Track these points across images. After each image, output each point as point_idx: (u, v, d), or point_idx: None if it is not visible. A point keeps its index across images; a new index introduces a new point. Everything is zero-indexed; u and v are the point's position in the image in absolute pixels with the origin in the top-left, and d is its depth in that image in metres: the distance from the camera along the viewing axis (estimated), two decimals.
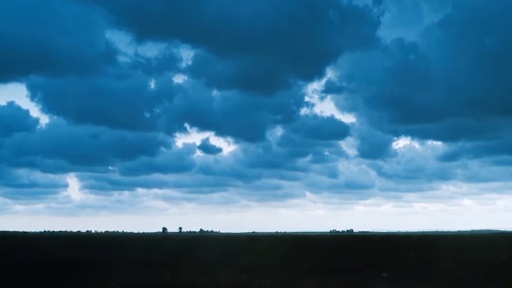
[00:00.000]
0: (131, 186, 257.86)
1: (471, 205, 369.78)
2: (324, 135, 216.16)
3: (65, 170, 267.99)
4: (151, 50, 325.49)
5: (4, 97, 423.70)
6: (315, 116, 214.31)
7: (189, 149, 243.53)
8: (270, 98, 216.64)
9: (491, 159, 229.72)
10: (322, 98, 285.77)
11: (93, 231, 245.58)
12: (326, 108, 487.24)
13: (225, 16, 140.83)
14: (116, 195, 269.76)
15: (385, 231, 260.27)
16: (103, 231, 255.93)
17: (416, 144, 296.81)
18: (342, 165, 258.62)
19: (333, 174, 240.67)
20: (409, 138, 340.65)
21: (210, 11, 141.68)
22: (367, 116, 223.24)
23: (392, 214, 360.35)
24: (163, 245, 54.49)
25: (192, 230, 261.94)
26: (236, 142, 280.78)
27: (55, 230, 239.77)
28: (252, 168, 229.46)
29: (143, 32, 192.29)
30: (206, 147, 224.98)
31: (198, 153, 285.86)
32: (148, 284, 17.95)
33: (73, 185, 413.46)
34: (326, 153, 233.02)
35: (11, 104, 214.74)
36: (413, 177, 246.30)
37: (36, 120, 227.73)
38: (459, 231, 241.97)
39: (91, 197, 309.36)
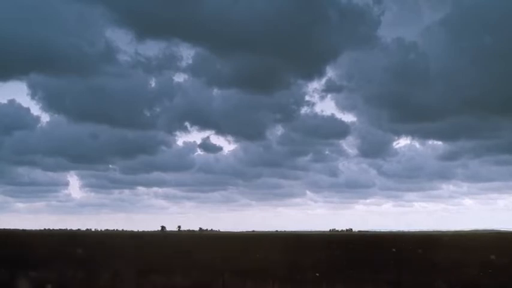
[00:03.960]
0: (131, 184, 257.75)
1: (471, 205, 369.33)
2: (324, 135, 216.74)
3: (65, 169, 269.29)
4: (152, 48, 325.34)
5: (5, 95, 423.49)
6: (315, 115, 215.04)
7: (190, 147, 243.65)
8: (271, 97, 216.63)
9: (492, 158, 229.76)
10: (322, 97, 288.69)
11: (93, 230, 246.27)
12: (326, 107, 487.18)
13: (225, 15, 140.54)
14: (116, 193, 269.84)
15: (385, 230, 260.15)
16: (103, 229, 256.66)
17: (416, 144, 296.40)
18: (342, 165, 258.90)
19: (333, 173, 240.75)
20: (409, 137, 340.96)
21: (210, 9, 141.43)
22: (367, 115, 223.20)
23: (393, 213, 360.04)
24: None
25: (191, 229, 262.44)
26: (236, 141, 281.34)
27: (55, 228, 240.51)
28: (252, 167, 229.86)
29: (143, 30, 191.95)
30: (206, 146, 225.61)
31: (199, 152, 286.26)
32: None
33: (73, 183, 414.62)
34: (326, 152, 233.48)
35: (11, 102, 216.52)
36: (413, 177, 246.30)
37: (37, 119, 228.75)
38: (457, 231, 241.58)
39: (91, 196, 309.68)
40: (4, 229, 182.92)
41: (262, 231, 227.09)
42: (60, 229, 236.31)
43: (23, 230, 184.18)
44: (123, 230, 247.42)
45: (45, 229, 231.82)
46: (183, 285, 17.48)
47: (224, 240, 71.14)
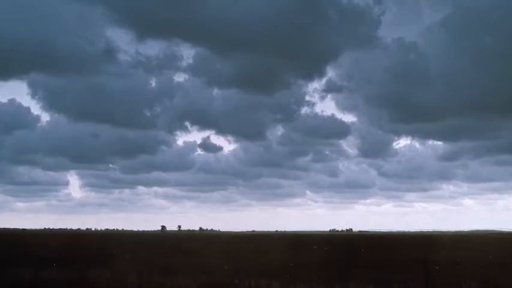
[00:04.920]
0: (132, 184, 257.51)
1: (472, 205, 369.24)
2: (324, 135, 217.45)
3: (65, 168, 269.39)
4: (152, 48, 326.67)
5: (5, 94, 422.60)
6: (316, 115, 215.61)
7: (190, 147, 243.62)
8: (271, 97, 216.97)
9: (492, 159, 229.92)
10: (322, 97, 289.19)
11: (93, 229, 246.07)
12: (327, 107, 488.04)
13: (225, 15, 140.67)
14: (116, 193, 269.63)
15: (385, 230, 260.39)
16: (103, 229, 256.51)
17: (416, 144, 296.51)
18: (343, 165, 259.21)
19: (334, 173, 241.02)
20: (409, 137, 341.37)
21: (211, 9, 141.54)
22: (367, 115, 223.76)
23: (393, 214, 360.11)
24: None
25: (191, 229, 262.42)
26: (237, 141, 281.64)
27: (55, 228, 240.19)
28: (252, 167, 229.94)
29: (144, 30, 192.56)
30: (207, 146, 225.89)
31: (199, 151, 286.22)
32: None
33: (74, 182, 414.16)
34: (326, 152, 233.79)
35: (12, 102, 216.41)
36: (413, 177, 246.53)
37: (37, 118, 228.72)
38: (457, 231, 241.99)
39: (91, 195, 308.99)
40: (4, 228, 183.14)
41: (266, 231, 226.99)
42: (60, 228, 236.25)
43: (23, 229, 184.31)
44: (123, 229, 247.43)
45: (45, 228, 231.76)
46: (208, 285, 17.51)
47: (242, 240, 70.90)
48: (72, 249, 39.02)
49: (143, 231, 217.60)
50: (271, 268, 22.33)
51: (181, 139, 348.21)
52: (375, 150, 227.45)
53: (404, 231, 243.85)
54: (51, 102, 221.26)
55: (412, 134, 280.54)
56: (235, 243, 56.97)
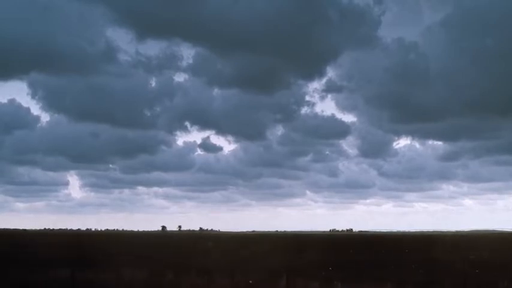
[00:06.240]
0: (132, 184, 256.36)
1: (472, 205, 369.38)
2: (324, 135, 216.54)
3: (65, 168, 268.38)
4: (152, 48, 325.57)
5: (5, 95, 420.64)
6: (316, 115, 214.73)
7: (190, 147, 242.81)
8: (271, 97, 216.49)
9: (492, 159, 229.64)
10: (322, 97, 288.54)
11: (93, 229, 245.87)
12: (327, 107, 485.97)
13: (225, 15, 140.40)
14: (116, 193, 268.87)
15: (385, 230, 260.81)
16: (103, 229, 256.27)
17: (416, 144, 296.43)
18: (343, 165, 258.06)
19: (334, 173, 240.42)
20: (409, 137, 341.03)
21: (211, 9, 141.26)
22: (367, 115, 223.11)
23: (393, 214, 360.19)
24: None
25: (191, 229, 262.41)
26: (237, 141, 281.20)
27: (55, 228, 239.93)
28: (252, 167, 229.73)
29: (144, 30, 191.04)
30: (207, 146, 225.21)
31: (199, 151, 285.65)
32: None
33: (74, 182, 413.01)
34: (326, 152, 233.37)
35: (12, 102, 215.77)
36: (413, 177, 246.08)
37: (37, 118, 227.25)
38: (458, 231, 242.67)
39: (91, 195, 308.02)
40: (4, 229, 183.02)
41: (266, 231, 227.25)
42: (60, 229, 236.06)
43: (23, 229, 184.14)
44: (123, 229, 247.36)
45: (45, 229, 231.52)
46: (245, 285, 17.57)
47: (277, 240, 70.79)
48: (107, 250, 39.11)
49: (144, 231, 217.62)
50: (307, 268, 22.43)
51: (181, 139, 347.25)
52: (375, 150, 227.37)
53: (405, 231, 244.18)
54: (51, 102, 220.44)
55: (412, 134, 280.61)
56: (269, 244, 57.03)
